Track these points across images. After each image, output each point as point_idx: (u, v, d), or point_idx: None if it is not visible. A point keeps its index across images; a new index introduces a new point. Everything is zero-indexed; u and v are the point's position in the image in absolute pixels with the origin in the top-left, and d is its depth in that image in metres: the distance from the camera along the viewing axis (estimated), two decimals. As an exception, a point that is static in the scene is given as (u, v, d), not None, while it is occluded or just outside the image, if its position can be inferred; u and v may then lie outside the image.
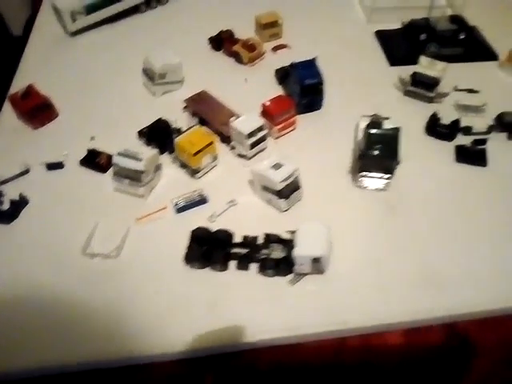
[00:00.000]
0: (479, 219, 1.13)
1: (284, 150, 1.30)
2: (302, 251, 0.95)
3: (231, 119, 1.21)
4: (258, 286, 1.01)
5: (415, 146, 1.29)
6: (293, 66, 1.35)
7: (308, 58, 1.35)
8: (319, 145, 1.32)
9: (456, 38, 1.55)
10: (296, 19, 1.75)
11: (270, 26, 1.63)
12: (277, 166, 1.10)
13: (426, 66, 1.38)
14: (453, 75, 1.46)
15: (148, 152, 1.14)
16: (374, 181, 1.16)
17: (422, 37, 1.54)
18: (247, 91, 1.44)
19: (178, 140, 1.17)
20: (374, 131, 1.14)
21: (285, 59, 1.47)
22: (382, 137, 1.13)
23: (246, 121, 1.21)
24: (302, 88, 1.32)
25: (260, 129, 1.22)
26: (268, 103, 1.29)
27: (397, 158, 1.13)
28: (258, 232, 1.08)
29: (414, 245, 1.08)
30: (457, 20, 1.57)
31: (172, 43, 1.64)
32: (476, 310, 0.98)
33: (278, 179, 1.08)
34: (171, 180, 1.23)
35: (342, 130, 1.32)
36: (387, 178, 1.14)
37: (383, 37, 1.65)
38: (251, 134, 1.20)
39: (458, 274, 1.03)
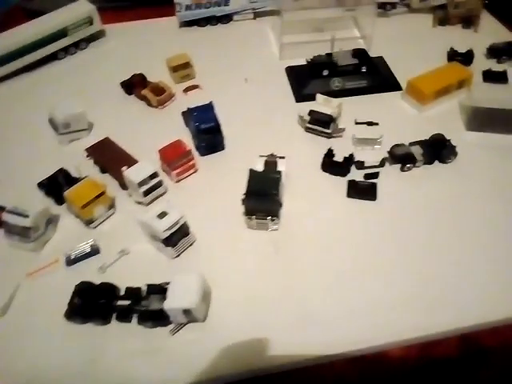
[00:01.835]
0: (365, 255, 1.16)
1: (184, 193, 1.32)
2: (171, 304, 0.97)
3: (123, 168, 1.22)
4: (139, 337, 1.02)
5: (310, 183, 1.32)
6: (189, 110, 1.38)
7: (206, 102, 1.39)
8: (219, 186, 1.33)
9: (359, 71, 1.59)
10: (212, 59, 1.78)
11: (181, 68, 1.66)
12: (162, 215, 1.11)
13: (322, 103, 1.42)
14: (357, 108, 1.51)
15: (37, 207, 1.16)
16: (260, 222, 1.18)
17: (325, 73, 1.58)
18: (155, 134, 1.45)
19: (66, 193, 1.19)
20: (256, 175, 1.17)
21: (196, 100, 1.48)
22: (264, 180, 1.16)
23: (138, 169, 1.23)
24: (199, 132, 1.35)
25: (153, 176, 1.24)
26: (164, 149, 1.31)
27: (279, 201, 1.16)
28: (148, 281, 1.08)
29: (296, 284, 1.10)
30: (359, 54, 1.61)
31: (87, 89, 1.67)
32: (356, 347, 1.01)
33: (163, 228, 1.09)
34: (67, 231, 1.24)
35: (243, 170, 1.32)
36: (272, 220, 1.17)
37: (292, 73, 1.69)
38: (143, 182, 1.22)
39: (339, 312, 1.05)
